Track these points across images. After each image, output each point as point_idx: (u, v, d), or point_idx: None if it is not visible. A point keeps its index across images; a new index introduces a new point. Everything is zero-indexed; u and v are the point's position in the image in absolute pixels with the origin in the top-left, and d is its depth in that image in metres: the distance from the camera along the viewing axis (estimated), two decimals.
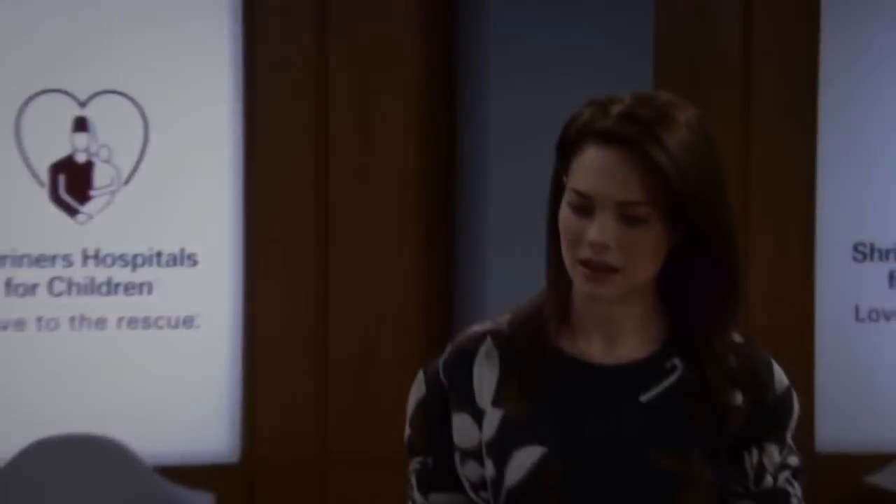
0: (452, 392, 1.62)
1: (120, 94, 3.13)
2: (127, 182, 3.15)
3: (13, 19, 3.10)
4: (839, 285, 3.73)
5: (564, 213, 1.52)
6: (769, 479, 1.59)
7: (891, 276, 3.77)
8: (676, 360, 1.56)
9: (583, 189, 1.48)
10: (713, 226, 1.52)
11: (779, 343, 2.75)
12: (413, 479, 1.68)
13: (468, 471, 1.62)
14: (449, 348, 1.63)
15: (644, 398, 1.56)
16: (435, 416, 1.62)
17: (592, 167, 1.50)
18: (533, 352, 1.61)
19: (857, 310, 3.65)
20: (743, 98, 3.52)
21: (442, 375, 1.61)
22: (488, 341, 1.63)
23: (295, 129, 3.26)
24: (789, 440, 1.59)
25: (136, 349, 3.19)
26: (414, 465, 1.67)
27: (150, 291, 3.20)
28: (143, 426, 3.14)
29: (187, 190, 3.19)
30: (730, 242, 1.54)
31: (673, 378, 1.56)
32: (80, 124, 3.14)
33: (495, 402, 1.60)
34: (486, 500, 1.61)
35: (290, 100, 3.25)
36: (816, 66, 3.50)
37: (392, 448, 3.18)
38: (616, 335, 1.60)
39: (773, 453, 1.59)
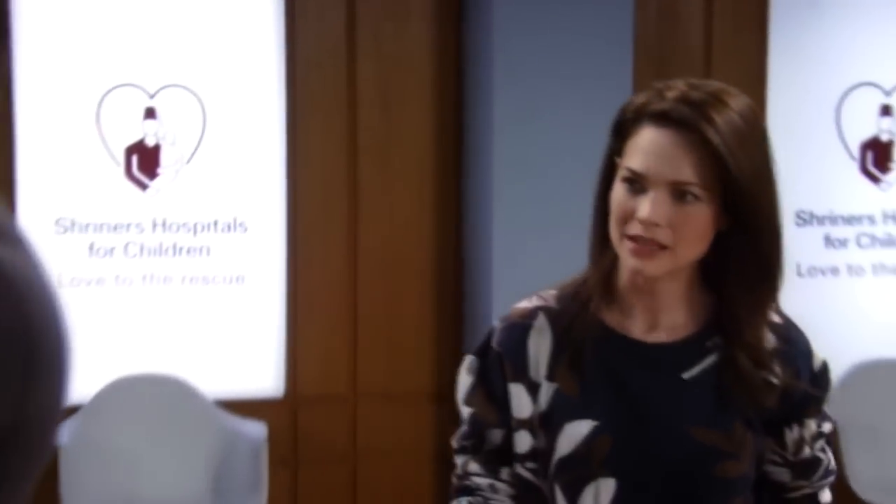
0: (508, 363, 1.57)
1: (182, 87, 3.46)
2: (188, 162, 3.50)
3: (94, 23, 3.41)
4: (790, 245, 4.02)
5: (617, 190, 1.46)
6: (806, 450, 1.57)
7: (826, 239, 4.10)
8: (717, 340, 1.52)
9: (637, 168, 1.44)
10: (758, 213, 1.48)
11: None
12: (473, 464, 1.62)
13: (519, 440, 1.58)
14: (500, 324, 1.58)
15: (686, 375, 1.53)
16: (496, 389, 1.58)
17: (647, 147, 1.45)
18: (582, 328, 1.56)
19: (798, 267, 3.98)
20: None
21: (498, 347, 1.57)
22: (541, 317, 1.59)
23: (329, 117, 3.64)
24: (825, 404, 1.57)
25: (196, 303, 3.53)
26: (467, 448, 1.62)
27: (207, 254, 3.54)
28: (204, 367, 3.48)
29: (239, 168, 3.55)
30: (773, 233, 1.50)
31: (713, 357, 1.51)
32: (150, 113, 3.45)
33: (549, 377, 1.57)
34: (532, 471, 1.57)
35: (325, 91, 3.62)
36: (765, 57, 3.87)
37: (409, 385, 3.65)
38: (658, 312, 1.56)
39: (812, 426, 1.56)
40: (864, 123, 4.04)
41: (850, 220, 4.16)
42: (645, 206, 1.44)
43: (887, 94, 4.05)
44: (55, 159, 3.44)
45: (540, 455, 1.55)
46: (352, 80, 3.65)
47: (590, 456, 1.54)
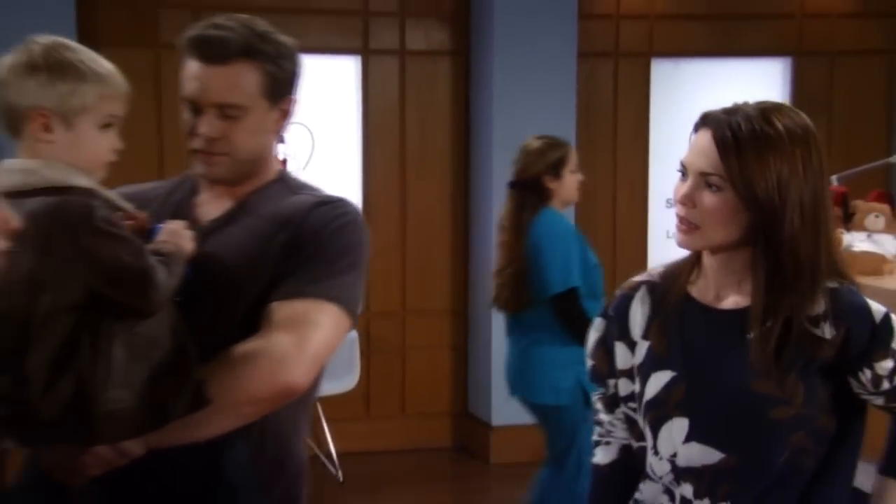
0: (616, 325, 1.77)
1: (299, 123, 5.20)
2: (303, 169, 5.26)
3: None
4: (660, 220, 5.78)
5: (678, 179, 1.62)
6: (886, 383, 1.65)
7: None
8: (773, 307, 1.62)
9: (682, 160, 1.65)
10: (775, 213, 1.59)
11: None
12: (599, 404, 1.83)
13: (622, 385, 1.77)
14: (616, 293, 1.78)
15: (749, 336, 1.64)
16: (609, 346, 1.77)
17: (691, 144, 1.65)
18: (671, 297, 1.72)
19: (667, 233, 5.65)
20: None
21: (611, 312, 1.78)
22: (643, 288, 1.77)
23: (388, 143, 5.53)
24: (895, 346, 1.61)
25: None
26: (599, 392, 1.82)
27: None
28: None
29: (333, 175, 5.30)
30: (795, 236, 1.60)
31: (770, 321, 1.62)
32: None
33: (644, 336, 1.75)
34: (632, 409, 1.76)
35: (386, 127, 5.53)
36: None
37: (435, 304, 5.62)
38: (724, 286, 1.69)
39: (886, 365, 1.63)
40: None
41: None
42: (680, 189, 1.63)
43: None
44: None
45: (636, 397, 1.73)
46: (402, 121, 5.60)
47: (668, 400, 1.69)
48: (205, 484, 1.80)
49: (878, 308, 1.64)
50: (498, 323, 5.37)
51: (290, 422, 1.88)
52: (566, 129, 5.43)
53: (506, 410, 5.49)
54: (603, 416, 1.84)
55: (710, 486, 1.69)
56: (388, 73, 5.60)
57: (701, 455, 1.69)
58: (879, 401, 1.68)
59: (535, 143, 3.84)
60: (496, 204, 5.37)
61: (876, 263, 3.89)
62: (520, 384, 3.88)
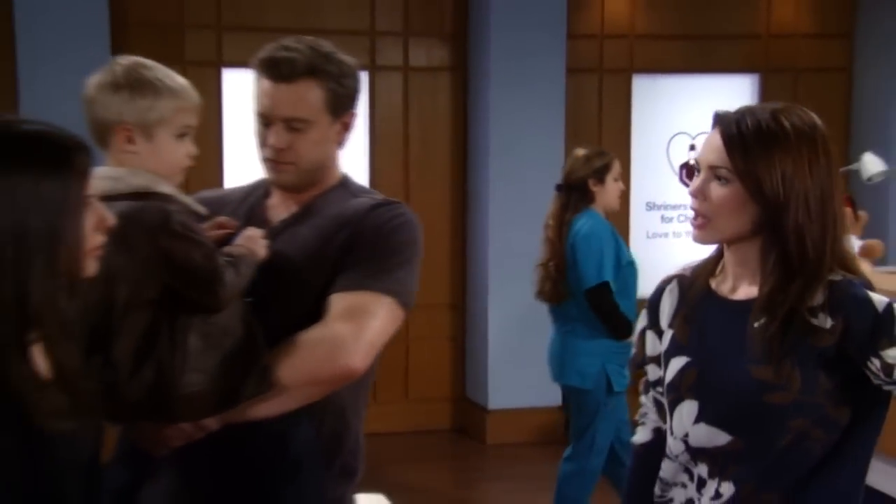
0: (649, 316, 1.82)
1: None
2: None
3: None
4: (641, 221, 6.14)
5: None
6: None
7: (662, 217, 6.01)
8: (778, 297, 1.63)
9: (696, 157, 1.68)
10: (779, 207, 1.60)
11: None
12: (641, 387, 1.85)
13: (651, 370, 1.81)
14: (655, 287, 1.82)
15: (755, 325, 1.65)
16: (644, 335, 1.82)
17: (705, 141, 1.69)
18: (695, 290, 1.75)
19: (647, 233, 6.10)
20: None
21: (647, 304, 1.83)
22: (674, 282, 1.80)
23: (394, 150, 5.76)
24: None
25: None
26: (643, 376, 1.83)
27: None
28: None
29: None
30: (799, 230, 1.60)
31: (774, 311, 1.63)
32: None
33: (670, 325, 1.78)
34: (660, 394, 1.80)
35: (391, 134, 5.74)
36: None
37: (436, 298, 5.77)
38: (739, 278, 1.71)
39: (893, 352, 1.58)
40: (681, 155, 6.07)
41: (674, 206, 6.09)
42: (693, 183, 1.65)
43: (693, 138, 6.09)
44: None
45: (662, 381, 1.76)
46: (405, 130, 5.84)
47: (681, 383, 1.71)
48: (273, 456, 1.87)
49: (880, 299, 1.61)
50: (493, 316, 5.65)
51: (349, 402, 1.95)
52: (556, 139, 5.70)
53: (501, 395, 5.75)
54: (642, 399, 1.88)
55: (722, 467, 1.70)
56: (392, 87, 5.84)
57: (708, 436, 1.69)
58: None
59: (582, 151, 4.05)
60: (492, 206, 5.67)
61: None
62: (554, 367, 4.07)
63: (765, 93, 6.26)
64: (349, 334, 1.79)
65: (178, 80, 1.83)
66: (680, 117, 6.14)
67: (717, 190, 1.63)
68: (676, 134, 6.18)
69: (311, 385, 1.82)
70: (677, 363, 1.74)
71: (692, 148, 6.11)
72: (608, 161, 4.01)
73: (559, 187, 4.03)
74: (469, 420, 5.95)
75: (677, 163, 6.17)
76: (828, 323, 1.60)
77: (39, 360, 1.37)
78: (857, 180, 4.94)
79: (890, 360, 1.58)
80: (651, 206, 6.20)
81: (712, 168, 1.64)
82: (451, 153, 5.93)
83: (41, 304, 1.34)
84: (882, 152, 4.68)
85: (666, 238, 6.18)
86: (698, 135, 6.13)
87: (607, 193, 4.02)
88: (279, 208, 1.98)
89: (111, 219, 1.49)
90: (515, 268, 5.51)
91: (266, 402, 1.78)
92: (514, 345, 5.68)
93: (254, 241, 1.85)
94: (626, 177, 6.01)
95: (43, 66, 5.15)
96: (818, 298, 1.61)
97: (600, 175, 3.97)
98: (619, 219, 6.02)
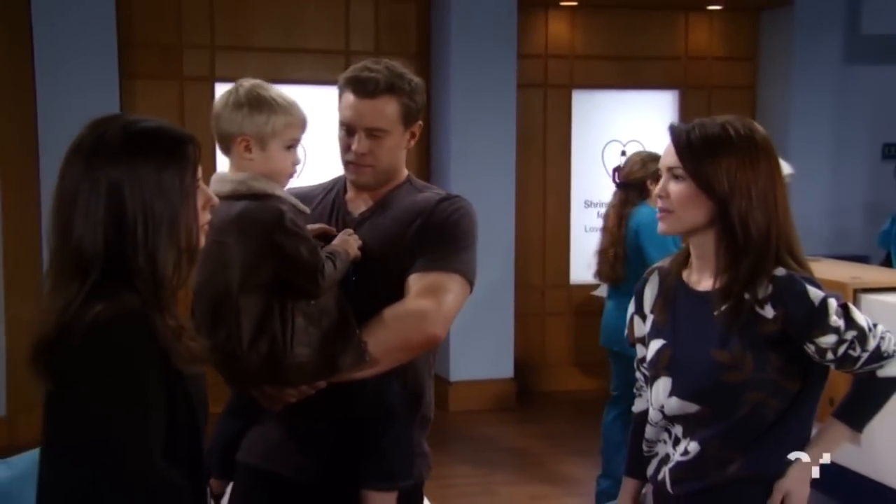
0: (635, 303, 1.88)
1: None
2: None
3: None
4: (580, 217, 6.24)
5: None
6: (830, 355, 1.68)
7: (597, 214, 5.86)
8: (735, 289, 1.68)
9: (660, 163, 1.78)
10: (729, 203, 1.65)
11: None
12: (635, 364, 1.91)
13: (639, 350, 1.87)
14: (641, 278, 1.90)
15: (716, 313, 1.70)
16: (633, 320, 1.88)
17: (665, 148, 1.76)
18: (670, 280, 1.81)
19: (584, 227, 6.19)
20: None
21: (635, 292, 1.89)
22: (656, 273, 1.86)
23: None
24: (835, 324, 1.65)
25: None
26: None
27: None
28: None
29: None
30: (744, 221, 1.65)
31: (731, 300, 1.68)
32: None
33: (651, 311, 1.84)
34: (644, 369, 1.86)
35: None
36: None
37: None
38: (701, 270, 1.76)
39: (828, 340, 1.66)
40: (613, 159, 6.15)
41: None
42: (659, 186, 1.74)
43: (624, 145, 6.28)
44: None
45: (645, 360, 1.83)
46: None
47: (658, 362, 1.78)
48: (372, 406, 1.96)
49: (816, 293, 1.68)
50: None
51: (423, 365, 2.07)
52: (508, 145, 5.89)
53: (461, 368, 5.84)
54: (638, 375, 1.95)
55: (692, 429, 1.78)
56: None
57: (680, 407, 1.78)
58: (833, 366, 1.73)
59: (640, 156, 4.22)
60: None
61: None
62: (608, 335, 4.16)
63: (683, 106, 6.57)
64: (432, 307, 1.89)
65: (289, 100, 1.93)
66: (613, 127, 6.38)
67: (674, 187, 1.73)
68: (610, 141, 6.37)
69: (402, 350, 1.93)
70: (656, 345, 1.81)
71: (623, 153, 6.34)
72: None
73: (619, 185, 4.20)
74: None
75: (610, 166, 6.15)
76: (771, 313, 1.67)
77: (171, 317, 1.49)
78: None
79: (823, 346, 1.67)
80: (588, 204, 6.38)
81: (670, 169, 1.74)
82: (417, 157, 5.96)
83: (168, 271, 1.45)
84: (783, 158, 4.76)
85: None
86: (629, 142, 6.36)
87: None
88: (357, 202, 2.08)
89: (216, 199, 1.59)
90: None
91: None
92: (472, 324, 5.70)
93: (348, 243, 1.96)
94: (566, 178, 6.36)
95: (58, 80, 5.25)
96: (763, 291, 1.68)
97: (656, 176, 3.98)
98: (561, 215, 6.33)
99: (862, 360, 1.69)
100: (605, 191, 5.99)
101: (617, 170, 4.27)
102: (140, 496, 1.37)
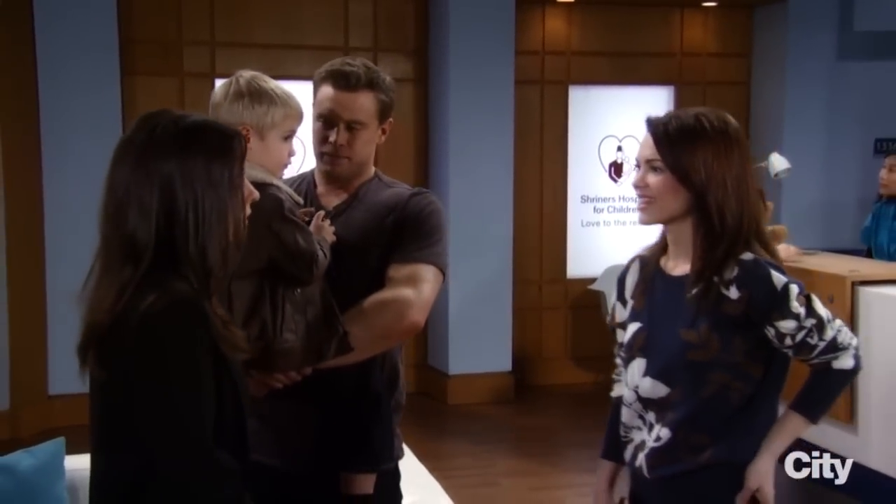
0: (617, 290, 1.92)
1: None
2: None
3: None
4: (577, 212, 6.20)
5: None
6: (788, 340, 1.71)
7: (594, 208, 6.11)
8: (706, 273, 1.72)
9: (636, 155, 1.81)
10: (705, 192, 1.68)
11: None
12: (616, 349, 1.93)
13: (619, 335, 1.90)
14: (623, 266, 1.95)
15: (688, 296, 1.74)
16: (615, 306, 1.93)
17: (642, 140, 1.80)
18: (649, 267, 1.86)
19: (582, 221, 6.21)
20: None
21: (617, 280, 1.93)
22: (637, 261, 1.90)
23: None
24: (795, 310, 1.69)
25: None
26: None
27: None
28: None
29: None
30: (721, 211, 1.68)
31: (702, 284, 1.72)
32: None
33: (632, 296, 1.89)
34: (622, 353, 1.90)
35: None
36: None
37: None
38: (678, 256, 1.79)
39: (787, 325, 1.69)
40: (610, 155, 6.25)
41: (604, 199, 6.23)
42: (635, 177, 1.79)
43: (620, 140, 6.33)
44: None
45: (623, 343, 1.88)
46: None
47: (634, 344, 1.84)
48: (357, 388, 2.01)
49: (779, 278, 1.72)
50: (452, 293, 5.71)
51: (397, 352, 2.12)
52: (506, 140, 5.87)
53: (459, 362, 5.83)
54: (617, 360, 1.97)
55: (664, 414, 1.82)
56: None
57: (652, 388, 1.81)
58: (790, 353, 1.76)
59: None
60: (451, 199, 5.91)
61: None
62: None
63: (678, 102, 6.58)
64: (412, 296, 1.94)
65: (287, 92, 1.94)
66: (609, 122, 6.40)
67: (653, 178, 1.75)
68: (606, 137, 6.38)
69: (386, 338, 1.98)
70: (633, 328, 1.86)
71: (619, 149, 6.36)
72: None
73: None
74: (432, 384, 6.06)
75: (607, 161, 6.37)
76: (735, 294, 1.70)
77: (217, 306, 1.54)
78: (763, 176, 5.07)
79: (783, 330, 1.70)
80: (585, 199, 6.40)
81: (648, 161, 1.76)
82: (415, 153, 6.04)
83: (216, 261, 1.49)
84: (778, 153, 4.89)
85: (598, 226, 6.38)
86: (625, 137, 6.39)
87: None
88: (329, 197, 2.10)
89: (256, 193, 1.62)
90: (471, 251, 5.74)
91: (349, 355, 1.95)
92: (471, 318, 5.82)
93: (324, 230, 1.97)
94: (563, 174, 6.36)
95: (60, 76, 5.24)
96: (730, 273, 1.71)
97: None
98: (558, 210, 6.33)
99: (818, 348, 1.71)
100: (602, 186, 6.21)
101: (613, 165, 4.24)
102: (196, 479, 1.39)
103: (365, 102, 2.00)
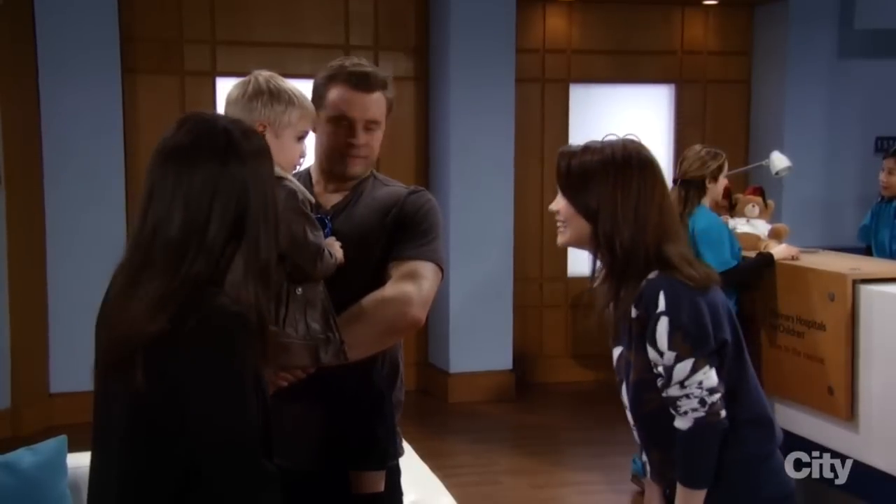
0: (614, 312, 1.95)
1: None
2: None
3: None
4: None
5: None
6: (657, 368, 1.76)
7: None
8: (610, 294, 1.84)
9: None
10: (594, 216, 1.78)
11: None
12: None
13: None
14: None
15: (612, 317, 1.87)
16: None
17: None
18: None
19: None
20: None
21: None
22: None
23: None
24: (658, 341, 1.74)
25: None
26: None
27: None
28: None
29: None
30: (609, 239, 1.77)
31: (612, 305, 1.84)
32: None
33: (615, 318, 1.91)
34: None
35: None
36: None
37: None
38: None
39: (651, 351, 1.75)
40: None
41: None
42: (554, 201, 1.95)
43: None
44: None
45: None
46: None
47: (618, 367, 1.92)
48: (359, 386, 2.03)
49: (662, 305, 1.76)
50: (453, 292, 5.71)
51: (398, 350, 2.15)
52: (507, 139, 5.87)
53: (460, 360, 5.84)
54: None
55: (641, 437, 1.90)
56: None
57: (629, 407, 1.90)
58: (660, 382, 1.80)
59: (699, 153, 3.99)
60: (452, 198, 5.85)
61: (753, 241, 4.33)
62: None
63: (679, 100, 6.61)
64: (413, 292, 1.97)
65: (302, 93, 1.98)
66: (609, 121, 6.12)
67: (560, 205, 1.86)
68: (607, 135, 5.94)
69: (389, 334, 2.00)
70: (616, 352, 1.90)
71: None
72: (722, 162, 4.01)
73: (675, 181, 4.01)
74: (432, 382, 6.09)
75: None
76: (634, 313, 1.76)
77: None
78: (764, 174, 5.07)
79: (651, 356, 1.74)
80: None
81: (558, 191, 1.88)
82: (416, 152, 6.05)
83: (266, 256, 1.50)
84: (778, 152, 4.91)
85: None
86: (625, 136, 6.14)
87: (717, 188, 4.04)
88: (326, 195, 2.12)
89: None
90: (472, 250, 5.76)
91: (354, 349, 1.93)
92: (471, 317, 5.83)
93: (333, 246, 1.97)
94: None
95: (61, 74, 5.25)
96: (634, 292, 1.76)
97: (715, 175, 4.00)
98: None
99: (663, 391, 1.75)
100: None
101: None
102: (244, 485, 1.40)
103: (380, 102, 2.06)
